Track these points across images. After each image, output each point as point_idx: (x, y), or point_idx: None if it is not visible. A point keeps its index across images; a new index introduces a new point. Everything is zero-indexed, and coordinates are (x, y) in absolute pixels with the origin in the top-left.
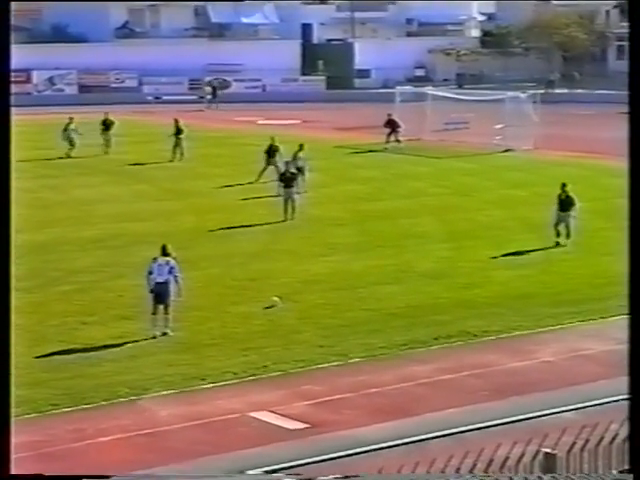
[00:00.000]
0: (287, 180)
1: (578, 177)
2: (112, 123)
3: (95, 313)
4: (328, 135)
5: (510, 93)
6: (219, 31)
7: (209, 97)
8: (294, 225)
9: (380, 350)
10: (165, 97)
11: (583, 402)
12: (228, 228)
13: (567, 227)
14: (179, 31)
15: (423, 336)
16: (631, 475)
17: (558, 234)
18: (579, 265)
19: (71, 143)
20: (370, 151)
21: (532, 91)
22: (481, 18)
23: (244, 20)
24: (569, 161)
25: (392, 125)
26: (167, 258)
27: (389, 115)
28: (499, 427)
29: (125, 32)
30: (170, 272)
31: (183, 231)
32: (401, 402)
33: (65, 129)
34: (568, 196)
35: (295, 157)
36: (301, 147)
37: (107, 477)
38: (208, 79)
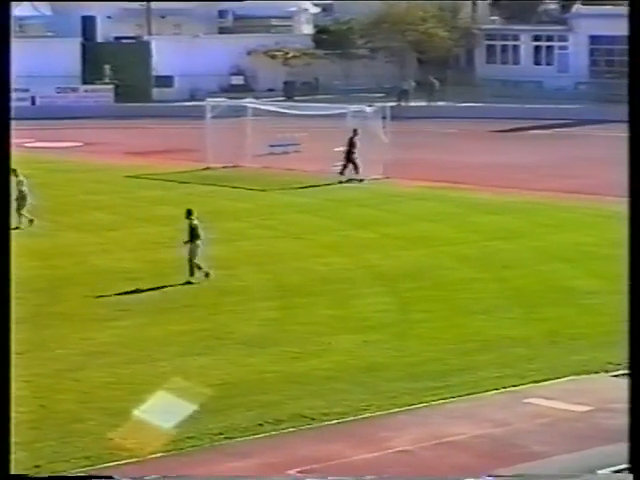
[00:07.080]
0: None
1: (441, 214)
2: None
3: None
4: (118, 161)
5: (353, 107)
6: None
7: None
8: (70, 279)
9: (187, 442)
10: None
11: None
12: None
13: None
14: None
15: (244, 422)
16: (631, 475)
17: None
18: (442, 327)
19: None
20: (173, 181)
21: (381, 104)
22: (315, 10)
23: None
24: (429, 193)
25: None
26: None
27: None
28: None
29: None
30: None
31: None
32: None
33: None
34: None
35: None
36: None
37: (110, 477)
38: None
